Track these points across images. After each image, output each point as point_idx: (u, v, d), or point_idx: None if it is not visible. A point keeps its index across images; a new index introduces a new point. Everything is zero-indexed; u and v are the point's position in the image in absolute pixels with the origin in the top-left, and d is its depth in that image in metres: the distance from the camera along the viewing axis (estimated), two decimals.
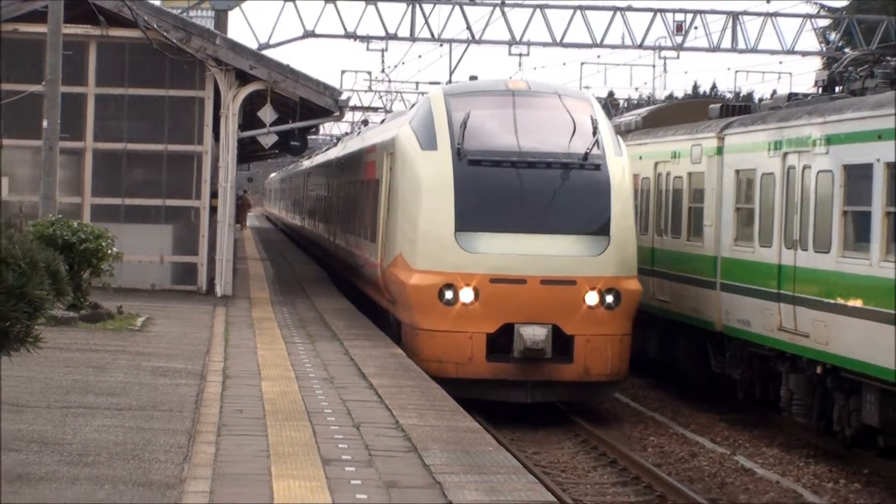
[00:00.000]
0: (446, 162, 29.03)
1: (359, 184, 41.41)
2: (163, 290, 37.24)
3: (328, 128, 71.70)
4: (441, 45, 59.67)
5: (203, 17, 50.66)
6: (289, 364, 25.00)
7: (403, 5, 56.20)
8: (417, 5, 55.99)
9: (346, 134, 63.79)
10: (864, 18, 63.47)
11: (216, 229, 38.03)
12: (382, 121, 48.73)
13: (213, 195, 38.04)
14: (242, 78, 37.28)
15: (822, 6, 77.95)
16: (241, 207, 67.62)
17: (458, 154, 28.85)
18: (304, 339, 29.29)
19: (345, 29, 56.00)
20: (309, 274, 51.40)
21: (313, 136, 64.70)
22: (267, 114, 38.27)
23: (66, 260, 28.65)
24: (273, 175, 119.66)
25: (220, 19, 52.13)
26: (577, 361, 28.29)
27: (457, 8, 56.31)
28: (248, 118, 39.13)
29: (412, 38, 57.32)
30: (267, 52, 45.98)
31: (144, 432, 17.51)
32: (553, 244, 28.52)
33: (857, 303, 23.49)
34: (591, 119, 30.20)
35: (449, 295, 27.97)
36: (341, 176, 49.22)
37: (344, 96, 42.14)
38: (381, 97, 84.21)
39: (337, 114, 41.86)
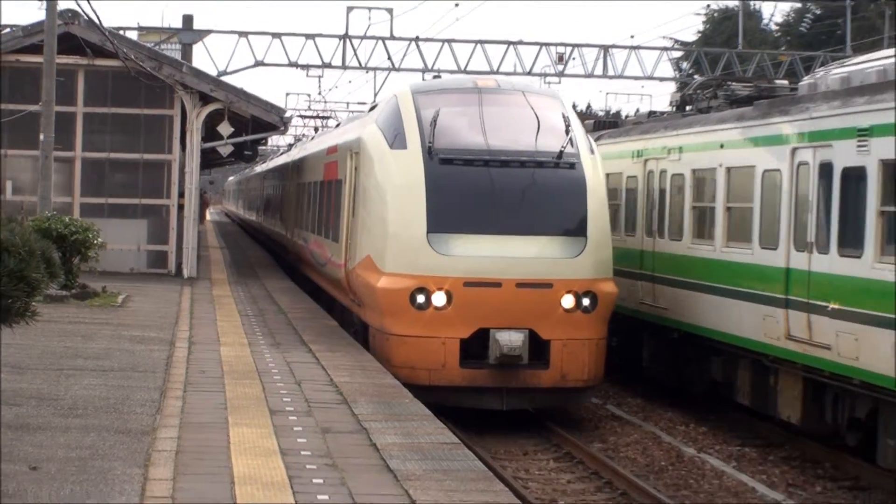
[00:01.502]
0: (417, 161, 22.98)
1: (318, 185, 34.24)
2: (139, 273, 37.06)
3: (275, 140, 71.02)
4: (367, 72, 59.37)
5: (172, 49, 50.53)
6: (243, 333, 24.90)
7: (336, 39, 56.28)
8: (348, 40, 56.16)
9: (299, 139, 63.11)
10: (709, 51, 63.85)
11: (183, 223, 37.89)
12: (338, 125, 42.09)
13: (181, 195, 37.93)
14: (204, 99, 37.15)
15: (676, 41, 78.39)
16: (202, 205, 67.16)
17: (429, 153, 22.90)
18: (256, 312, 29.13)
19: (288, 59, 55.98)
20: (260, 260, 51.21)
21: (262, 147, 64.38)
22: (224, 128, 38.15)
23: (59, 248, 28.37)
24: (231, 178, 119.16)
25: (186, 51, 52.10)
26: (553, 367, 22.42)
27: (380, 42, 56.46)
28: (209, 132, 39.00)
29: (343, 67, 57.40)
30: (225, 78, 45.79)
31: (124, 389, 17.43)
32: (529, 246, 22.55)
33: (703, 281, 23.70)
34: (563, 117, 24.03)
35: (421, 299, 22.18)
36: (299, 177, 41.14)
37: (287, 114, 42.42)
38: (317, 115, 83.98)
39: (282, 128, 41.92)
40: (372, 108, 29.42)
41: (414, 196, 22.71)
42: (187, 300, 30.97)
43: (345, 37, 56.18)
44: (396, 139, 23.75)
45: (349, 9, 56.81)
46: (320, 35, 56.40)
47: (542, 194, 22.83)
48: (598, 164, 23.91)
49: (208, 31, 54.85)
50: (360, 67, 57.56)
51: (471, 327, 22.23)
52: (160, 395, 17.22)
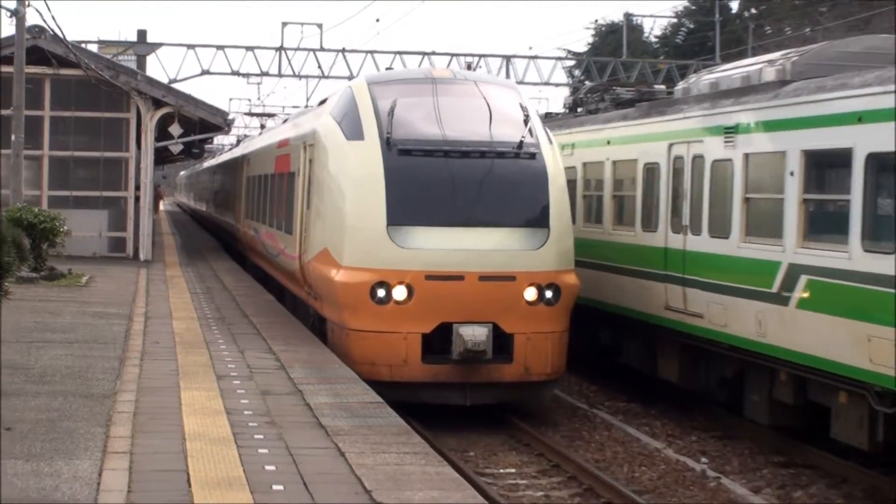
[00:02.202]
0: (375, 152, 19.76)
1: (269, 177, 30.71)
2: (101, 257, 36.75)
3: (220, 139, 70.63)
4: (300, 80, 59.12)
5: (128, 60, 50.11)
6: (192, 308, 24.79)
7: (273, 51, 56.11)
8: (283, 52, 55.98)
9: (246, 136, 62.64)
10: (598, 60, 64.11)
11: (139, 213, 37.67)
12: (285, 120, 37.35)
13: (137, 188, 37.72)
14: (157, 104, 36.91)
15: (569, 51, 78.60)
16: (156, 197, 66.64)
17: (387, 144, 19.70)
18: (204, 290, 28.99)
19: (231, 68, 55.66)
20: (208, 245, 50.93)
21: (209, 145, 64.08)
22: (175, 129, 37.94)
23: (30, 236, 28.54)
24: (182, 173, 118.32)
25: (141, 61, 51.74)
26: (517, 361, 19.37)
27: (311, 53, 56.33)
28: (162, 132, 38.73)
29: (279, 75, 57.15)
30: (175, 85, 45.71)
31: (88, 359, 17.32)
32: (491, 238, 19.49)
33: (595, 259, 23.76)
34: (521, 107, 20.94)
35: (381, 293, 19.07)
36: (248, 170, 37.30)
37: (231, 117, 42.35)
38: (262, 113, 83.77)
39: (226, 129, 41.98)
40: (322, 102, 25.86)
41: (372, 188, 19.52)
42: (143, 280, 30.77)
43: (280, 49, 56.04)
44: (353, 130, 20.47)
45: (284, 24, 56.88)
46: (259, 47, 56.26)
47: (504, 185, 19.81)
48: (557, 155, 20.82)
49: (160, 44, 54.49)
50: (294, 76, 57.36)
51: (433, 322, 19.14)
52: (119, 363, 17.14)
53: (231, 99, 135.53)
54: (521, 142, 20.09)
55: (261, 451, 11.91)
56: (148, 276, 32.25)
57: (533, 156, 20.08)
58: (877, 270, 15.09)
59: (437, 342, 19.20)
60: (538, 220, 19.78)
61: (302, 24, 56.57)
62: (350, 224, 19.62)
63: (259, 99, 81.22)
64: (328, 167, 20.92)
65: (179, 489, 10.34)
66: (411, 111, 20.42)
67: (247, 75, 57.57)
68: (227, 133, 46.69)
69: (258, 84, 67.17)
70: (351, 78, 53.05)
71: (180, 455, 11.58)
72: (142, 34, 53.81)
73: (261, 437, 12.58)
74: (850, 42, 19.16)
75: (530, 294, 19.41)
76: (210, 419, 13.36)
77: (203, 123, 39.10)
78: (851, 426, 16.30)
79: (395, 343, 19.10)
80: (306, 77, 57.98)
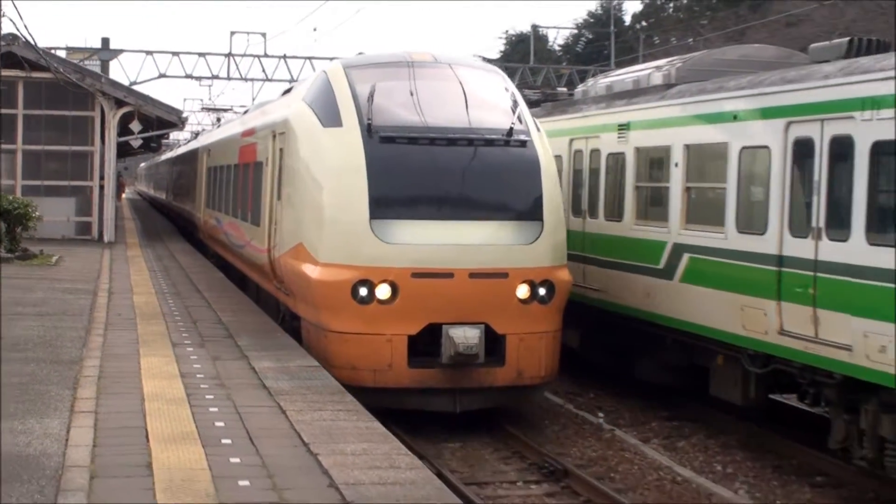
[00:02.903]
0: (355, 139, 16.32)
1: (232, 167, 26.76)
2: (69, 240, 36.36)
3: (175, 134, 70.01)
4: (246, 83, 58.77)
5: (93, 64, 49.40)
6: (150, 284, 24.60)
7: (223, 57, 55.88)
8: (231, 58, 55.73)
9: (204, 130, 61.97)
10: (508, 65, 64.14)
11: (103, 200, 37.34)
12: (246, 111, 33.18)
13: (102, 178, 37.38)
14: (119, 103, 36.60)
15: (483, 57, 78.66)
16: (119, 186, 65.99)
17: (368, 130, 16.27)
18: (161, 268, 28.77)
19: (185, 72, 55.24)
20: (165, 228, 50.56)
21: (165, 140, 63.67)
22: (135, 126, 37.63)
23: (5, 221, 28.28)
24: (142, 164, 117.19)
25: (104, 66, 51.10)
26: (509, 364, 16.14)
27: (256, 59, 56.12)
28: (123, 128, 38.35)
29: (228, 78, 56.73)
30: (135, 87, 45.09)
31: (57, 329, 17.15)
32: (482, 232, 16.20)
33: None
34: (507, 92, 17.63)
35: (363, 292, 15.77)
36: (210, 160, 33.51)
37: (184, 115, 42.27)
38: (209, 114, 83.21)
39: (180, 126, 42.07)
40: (287, 92, 23.00)
41: (353, 178, 16.05)
42: (107, 260, 30.48)
43: (229, 55, 55.72)
44: (329, 116, 16.92)
45: (232, 33, 56.69)
46: (210, 53, 55.83)
47: (494, 175, 16.45)
48: (546, 142, 17.36)
49: (122, 51, 53.94)
50: (241, 79, 56.97)
51: (420, 323, 15.81)
52: (85, 333, 16.99)
53: (185, 99, 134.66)
54: (511, 128, 16.71)
55: (211, 409, 11.86)
56: (111, 256, 31.96)
57: (524, 143, 16.76)
58: (749, 249, 15.26)
59: (424, 344, 15.96)
60: (531, 212, 16.50)
61: (248, 33, 56.46)
62: (328, 217, 16.19)
63: (210, 99, 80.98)
64: (302, 156, 17.41)
65: (139, 444, 10.28)
66: (392, 96, 16.97)
67: (199, 78, 57.09)
68: (181, 129, 46.78)
69: (209, 86, 67.20)
70: (292, 81, 52.99)
71: (139, 414, 11.51)
72: (105, 41, 53.24)
73: (211, 397, 12.52)
74: (727, 51, 19.30)
75: (523, 292, 16.19)
76: (166, 382, 13.28)
77: (160, 120, 38.95)
78: (728, 384, 16.48)
79: (379, 346, 15.83)
80: (252, 80, 57.56)
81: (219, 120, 61.14)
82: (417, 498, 8.81)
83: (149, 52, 54.36)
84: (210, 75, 56.55)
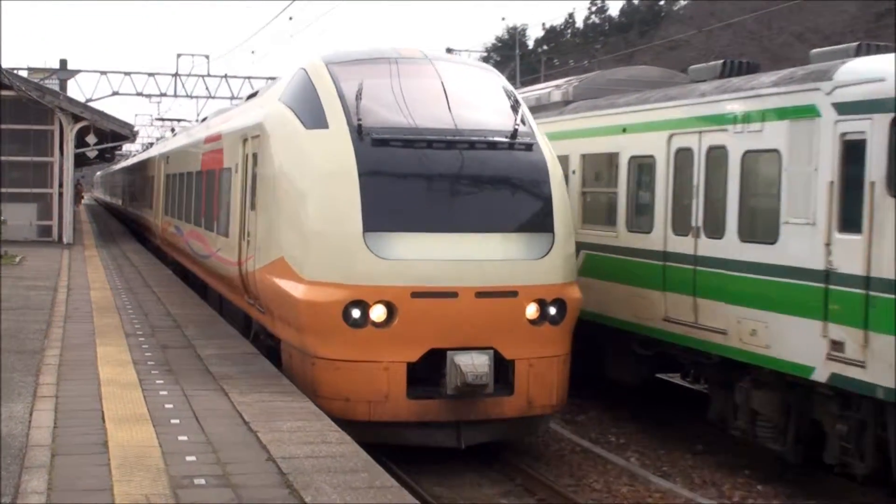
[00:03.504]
0: (343, 142, 13.04)
1: (194, 175, 22.99)
2: (32, 241, 35.84)
3: (127, 146, 69.21)
4: (191, 99, 58.33)
5: (52, 83, 48.71)
6: (105, 280, 24.30)
7: (170, 77, 55.52)
8: (178, 77, 55.39)
9: (159, 139, 61.01)
10: None
11: (63, 205, 36.89)
12: (204, 119, 29.49)
13: (61, 186, 36.92)
14: (76, 118, 36.13)
15: None
16: (77, 193, 65.05)
17: (358, 132, 13.00)
18: (115, 267, 28.43)
19: (136, 90, 54.89)
20: (119, 231, 49.95)
21: (118, 151, 62.95)
22: (91, 139, 37.27)
23: None
24: (97, 173, 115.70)
25: (63, 84, 50.46)
26: (518, 393, 12.94)
27: (200, 79, 55.78)
28: (80, 141, 37.87)
29: (175, 95, 56.45)
30: (91, 103, 44.62)
31: (20, 322, 16.89)
32: (488, 246, 12.90)
33: None
34: (506, 91, 14.21)
35: (356, 314, 12.54)
36: (167, 169, 29.73)
37: (135, 128, 41.98)
38: (158, 129, 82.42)
39: (132, 138, 41.76)
40: (252, 96, 19.58)
41: (343, 185, 12.72)
42: (66, 259, 30.06)
43: (176, 75, 55.47)
44: (313, 117, 13.55)
45: (178, 55, 56.52)
46: (158, 73, 55.54)
47: (499, 182, 13.18)
48: (549, 146, 14.16)
49: (78, 71, 53.42)
50: (187, 96, 56.78)
51: (420, 348, 12.51)
52: (47, 325, 16.75)
53: (136, 114, 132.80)
54: (516, 130, 13.46)
55: (161, 392, 11.76)
56: (70, 256, 31.52)
57: (529, 147, 13.52)
58: (638, 246, 15.42)
59: (426, 372, 12.70)
60: (541, 223, 13.23)
61: (193, 55, 56.50)
62: (315, 230, 12.84)
63: (159, 114, 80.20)
64: (281, 161, 13.97)
65: (95, 424, 10.17)
66: (381, 95, 13.64)
67: (149, 96, 56.87)
68: (132, 141, 46.37)
69: (158, 103, 66.50)
70: (233, 98, 52.62)
71: (96, 397, 11.38)
72: (63, 62, 52.61)
73: (161, 381, 12.41)
74: (617, 71, 19.46)
75: (532, 311, 12.97)
76: (120, 368, 13.14)
77: (113, 133, 38.57)
78: (622, 367, 16.64)
79: (375, 375, 12.53)
80: (196, 97, 57.38)
81: (173, 130, 60.51)
82: (347, 469, 8.81)
83: (103, 72, 53.95)
84: (159, 93, 56.33)
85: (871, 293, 11.27)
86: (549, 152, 13.72)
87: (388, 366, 12.51)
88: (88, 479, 8.35)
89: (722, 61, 15.53)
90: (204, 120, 28.67)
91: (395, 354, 12.54)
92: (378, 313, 12.51)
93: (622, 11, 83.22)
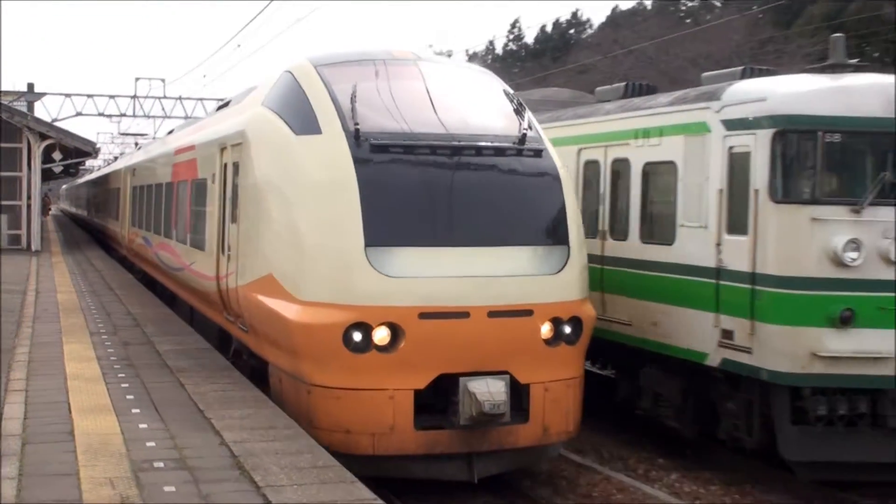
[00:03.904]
0: (340, 148, 10.74)
1: (164, 186, 20.40)
2: (3, 249, 35.27)
3: (90, 162, 68.37)
4: (149, 119, 57.79)
5: (20, 104, 47.95)
6: (71, 284, 23.94)
7: (129, 98, 55.04)
8: (136, 99, 54.95)
9: (122, 153, 59.88)
10: None
11: (31, 216, 36.31)
12: (170, 131, 26.43)
13: (29, 198, 36.35)
14: (43, 137, 35.60)
15: None
16: (45, 204, 64.15)
17: (356, 137, 10.74)
18: (80, 272, 28.02)
19: (98, 111, 54.35)
20: (84, 240, 49.23)
21: (82, 166, 62.11)
22: (57, 155, 36.72)
23: None
24: (63, 186, 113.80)
25: (30, 105, 49.67)
26: (533, 419, 10.89)
27: (157, 101, 55.34)
28: (47, 157, 37.29)
29: (134, 115, 56.01)
30: (57, 123, 44.15)
31: None
32: (500, 260, 10.76)
33: None
34: (507, 94, 12.16)
35: (358, 337, 10.28)
36: (134, 181, 26.99)
37: (97, 146, 41.53)
38: (118, 145, 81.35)
39: (94, 155, 41.29)
40: (222, 106, 16.97)
41: (341, 195, 10.48)
42: (34, 265, 29.56)
43: (134, 96, 55.05)
44: (304, 122, 11.24)
45: (137, 78, 56.49)
46: (118, 95, 55.18)
47: (510, 191, 11.01)
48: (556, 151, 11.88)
49: (44, 93, 52.68)
50: (145, 116, 56.39)
51: (428, 374, 10.35)
52: (17, 325, 16.47)
53: (98, 133, 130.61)
54: (524, 135, 11.30)
55: (123, 385, 11.63)
56: (38, 262, 31.00)
57: (539, 153, 11.36)
58: None
59: (433, 400, 10.54)
60: (556, 235, 11.09)
61: (150, 78, 56.39)
62: (310, 245, 10.56)
63: (119, 133, 79.39)
64: (269, 170, 11.67)
65: (62, 415, 10.04)
66: (377, 98, 11.37)
67: (110, 116, 56.44)
68: (95, 157, 45.88)
69: (118, 122, 65.99)
70: (186, 117, 52.10)
71: (63, 390, 11.23)
72: (30, 86, 51.83)
73: (123, 375, 12.27)
74: (532, 92, 19.57)
75: (547, 330, 10.86)
76: (85, 364, 12.97)
77: (77, 150, 38.07)
78: None
79: (379, 404, 10.30)
80: (153, 117, 57.01)
81: (137, 144, 59.73)
82: (292, 451, 8.78)
83: (67, 95, 53.40)
84: (119, 113, 55.85)
85: (756, 287, 11.47)
86: (558, 158, 11.59)
87: (394, 394, 10.30)
88: (56, 464, 8.25)
89: (625, 83, 15.71)
90: (170, 132, 26.06)
91: (402, 381, 10.32)
92: (382, 336, 10.29)
93: (537, 39, 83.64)
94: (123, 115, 56.10)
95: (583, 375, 11.39)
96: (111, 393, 11.16)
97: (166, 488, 7.68)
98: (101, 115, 55.03)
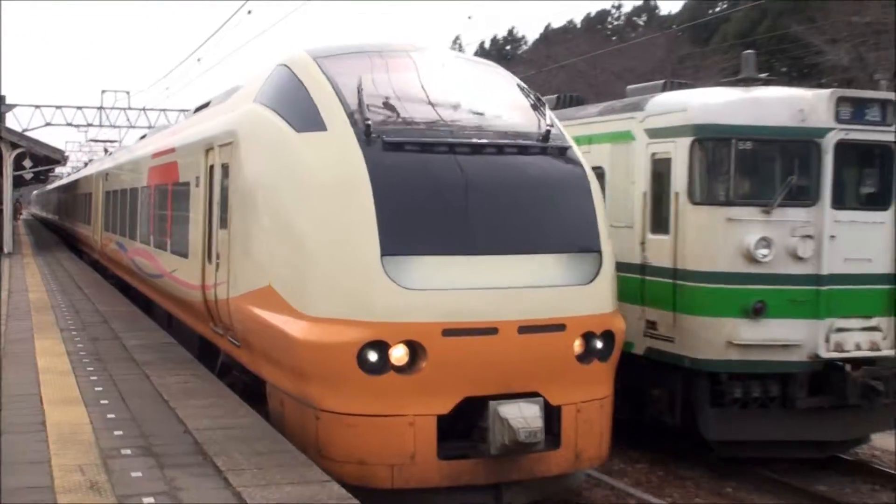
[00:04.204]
0: (348, 146, 8.47)
1: (140, 191, 18.40)
2: None
3: (59, 169, 67.46)
4: (114, 128, 57.20)
5: None
6: (42, 284, 23.53)
7: (95, 109, 54.47)
8: (102, 110, 54.39)
9: (90, 161, 58.73)
10: None
11: (2, 220, 35.70)
12: (143, 136, 25.58)
13: (1, 203, 35.74)
14: (14, 146, 34.93)
15: None
16: (16, 209, 63.06)
17: (366, 134, 8.47)
18: (50, 272, 27.59)
19: (66, 121, 53.70)
20: (54, 242, 48.45)
21: (52, 173, 61.25)
22: (27, 163, 36.21)
23: None
24: (34, 192, 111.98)
25: (2, 116, 48.99)
26: (565, 445, 8.74)
27: (122, 111, 54.80)
28: (18, 165, 36.73)
29: (100, 125, 55.35)
30: (27, 133, 43.39)
31: None
32: (530, 270, 8.54)
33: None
34: (523, 89, 10.17)
35: (374, 357, 8.04)
36: (107, 185, 24.75)
37: (66, 153, 41.05)
38: (86, 153, 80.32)
39: (63, 162, 40.62)
40: (201, 108, 15.31)
41: (353, 198, 8.60)
42: (7, 266, 29.02)
43: (101, 108, 54.49)
44: (305, 118, 9.41)
45: (103, 91, 55.83)
46: (86, 107, 54.67)
47: (537, 192, 9.18)
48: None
49: (15, 105, 52.06)
50: (111, 126, 55.78)
51: (453, 397, 8.54)
52: None
53: (66, 142, 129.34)
54: (548, 132, 9.55)
55: (91, 378, 11.47)
56: (10, 263, 30.45)
57: (564, 151, 9.60)
58: None
59: (456, 425, 8.68)
60: (586, 240, 9.29)
61: (115, 90, 55.96)
62: (318, 252, 8.72)
63: (87, 142, 78.44)
64: (265, 171, 9.89)
65: (35, 406, 9.87)
66: (384, 92, 9.47)
67: (77, 126, 55.76)
68: (63, 165, 45.33)
69: (85, 132, 65.31)
70: (149, 127, 51.50)
71: (35, 383, 11.04)
72: (2, 98, 51.17)
73: (91, 369, 12.10)
74: None
75: (578, 346, 9.09)
76: (56, 358, 12.77)
77: (47, 158, 37.53)
78: None
79: (398, 431, 8.47)
80: (119, 127, 56.45)
81: (106, 150, 58.92)
82: (252, 437, 8.71)
83: (37, 106, 52.80)
84: (86, 123, 55.17)
85: (678, 282, 11.60)
86: (583, 157, 9.77)
87: (414, 420, 8.42)
88: (29, 453, 8.12)
89: (556, 95, 15.79)
90: (143, 137, 24.01)
91: (423, 406, 8.44)
92: (401, 355, 8.40)
93: (476, 55, 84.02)
94: (90, 125, 55.45)
95: (612, 394, 9.52)
96: (81, 385, 11.00)
97: (133, 474, 7.60)
98: (69, 125, 54.42)
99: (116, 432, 8.88)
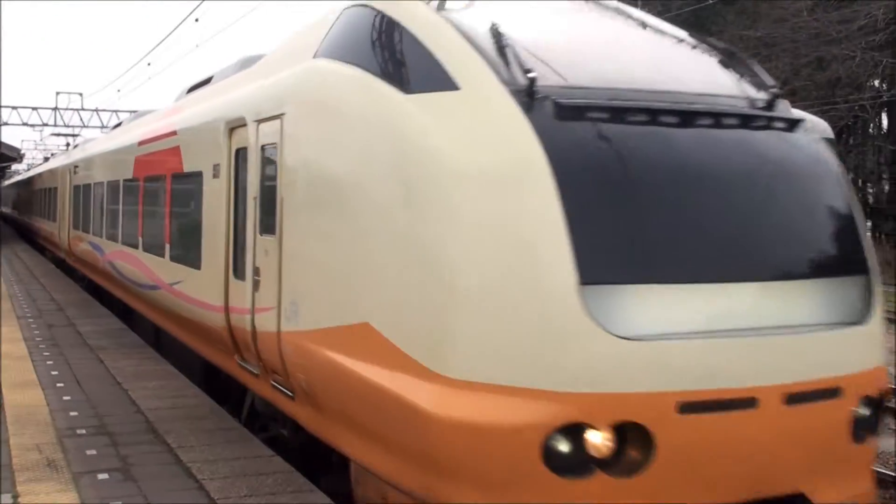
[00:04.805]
0: (504, 111, 3.46)
1: (124, 184, 13.92)
2: None
3: (15, 165, 65.80)
4: (67, 128, 55.99)
5: None
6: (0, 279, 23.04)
7: (50, 110, 53.32)
8: (57, 111, 53.28)
9: (53, 154, 55.85)
10: None
11: None
12: (118, 124, 20.64)
13: None
14: None
15: None
16: None
17: (529, 95, 3.47)
18: (6, 263, 26.96)
19: (22, 121, 52.47)
20: (9, 235, 47.43)
21: (9, 170, 59.79)
22: None
23: None
24: None
25: None
26: None
27: (76, 112, 53.72)
28: None
29: (55, 125, 54.07)
30: None
31: None
32: (788, 304, 3.66)
33: None
34: (716, 45, 5.03)
35: (567, 449, 3.37)
36: (76, 179, 20.16)
37: (22, 152, 40.03)
38: (42, 152, 78.41)
39: (19, 160, 40.66)
40: (196, 87, 11.80)
41: (523, 195, 3.97)
42: None
43: (55, 108, 53.29)
44: (419, 72, 4.81)
45: (57, 93, 54.54)
46: (41, 107, 53.23)
47: (786, 186, 4.49)
48: None
49: None
50: (66, 125, 54.54)
51: None
52: None
53: (23, 140, 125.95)
54: (773, 99, 5.37)
55: (48, 362, 11.24)
56: None
57: (794, 125, 5.34)
58: None
59: None
60: (852, 258, 5.13)
61: (69, 92, 54.75)
62: (469, 282, 4.48)
63: (42, 140, 76.69)
64: (351, 153, 5.57)
65: None
66: (531, 37, 5.16)
67: (33, 125, 54.44)
68: (20, 162, 44.29)
69: (41, 131, 63.98)
70: (103, 128, 50.37)
71: None
72: None
73: (48, 354, 11.86)
74: None
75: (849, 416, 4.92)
76: (13, 344, 12.48)
77: (3, 156, 36.60)
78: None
79: None
80: (72, 126, 55.25)
81: (68, 145, 57.57)
82: (199, 416, 8.64)
83: None
84: (41, 123, 53.97)
85: None
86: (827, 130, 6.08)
87: None
88: None
89: None
90: (118, 125, 20.08)
91: None
92: (611, 446, 4.60)
93: None
94: (45, 125, 54.19)
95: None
96: (37, 369, 10.78)
97: (88, 452, 7.49)
98: (25, 124, 53.08)
99: (72, 413, 8.73)
